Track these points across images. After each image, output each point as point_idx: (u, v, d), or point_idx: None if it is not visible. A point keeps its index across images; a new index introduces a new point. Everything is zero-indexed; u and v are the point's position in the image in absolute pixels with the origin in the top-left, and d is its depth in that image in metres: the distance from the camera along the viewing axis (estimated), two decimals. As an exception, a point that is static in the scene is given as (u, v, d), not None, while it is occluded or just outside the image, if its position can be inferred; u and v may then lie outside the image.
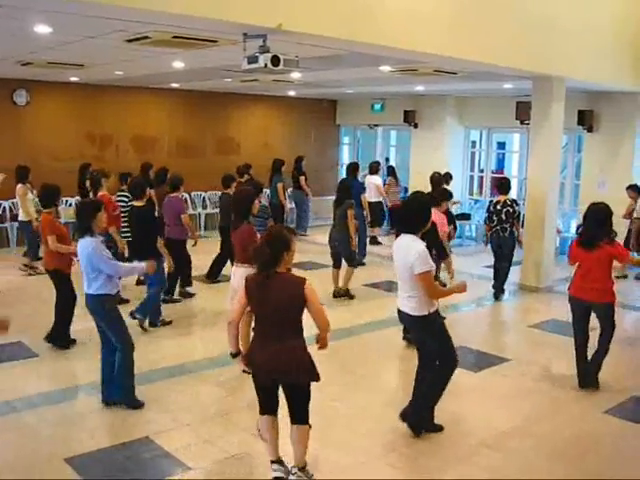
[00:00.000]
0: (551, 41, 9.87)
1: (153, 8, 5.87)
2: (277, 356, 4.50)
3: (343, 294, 10.36)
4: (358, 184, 12.97)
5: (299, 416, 4.68)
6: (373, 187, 14.77)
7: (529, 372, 7.44)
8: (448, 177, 13.19)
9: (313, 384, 4.61)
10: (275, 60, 7.00)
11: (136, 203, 8.74)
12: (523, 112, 13.03)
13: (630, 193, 12.07)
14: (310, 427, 4.71)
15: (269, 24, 6.55)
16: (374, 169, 15.06)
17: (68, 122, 15.21)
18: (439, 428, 5.82)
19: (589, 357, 6.97)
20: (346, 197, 10.37)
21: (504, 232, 10.34)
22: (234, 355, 4.79)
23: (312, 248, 13.84)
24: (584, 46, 10.48)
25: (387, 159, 18.78)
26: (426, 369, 5.77)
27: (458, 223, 15.20)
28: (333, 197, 11.00)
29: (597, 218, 6.67)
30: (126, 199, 9.96)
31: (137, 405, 6.17)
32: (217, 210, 16.31)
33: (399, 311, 5.68)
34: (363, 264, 12.48)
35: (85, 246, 5.99)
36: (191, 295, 10.18)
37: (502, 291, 10.76)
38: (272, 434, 4.81)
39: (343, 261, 10.43)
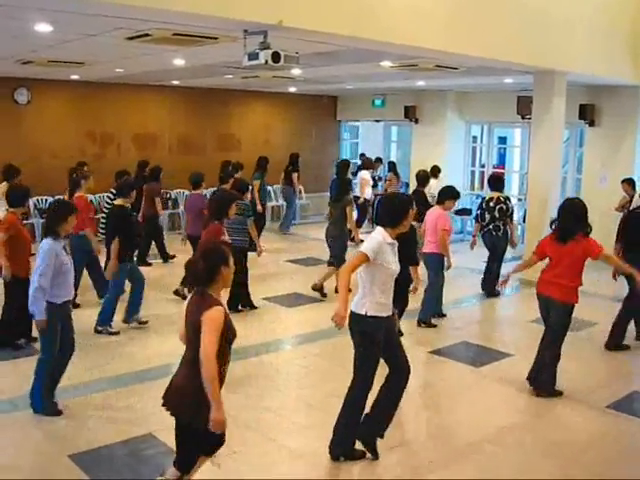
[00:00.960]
0: (552, 35, 9.85)
1: (153, 5, 5.89)
2: (174, 390, 4.20)
3: (318, 289, 10.14)
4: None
5: (179, 459, 4.30)
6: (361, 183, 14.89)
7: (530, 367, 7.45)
8: (436, 171, 13.12)
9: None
10: (276, 56, 7.00)
11: (117, 202, 8.64)
12: (524, 106, 13.02)
13: (625, 187, 11.92)
14: (186, 475, 4.29)
15: (269, 20, 6.56)
16: (367, 164, 15.13)
17: (69, 120, 15.22)
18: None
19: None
20: (344, 194, 10.24)
21: (497, 231, 10.29)
22: None
23: (313, 244, 13.87)
24: (585, 40, 10.46)
25: (362, 154, 18.60)
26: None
27: (459, 218, 15.24)
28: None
29: (575, 213, 6.48)
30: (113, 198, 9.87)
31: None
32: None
33: None
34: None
35: (42, 245, 5.88)
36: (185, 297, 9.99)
37: (494, 293, 10.50)
38: None
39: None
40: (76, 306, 8.59)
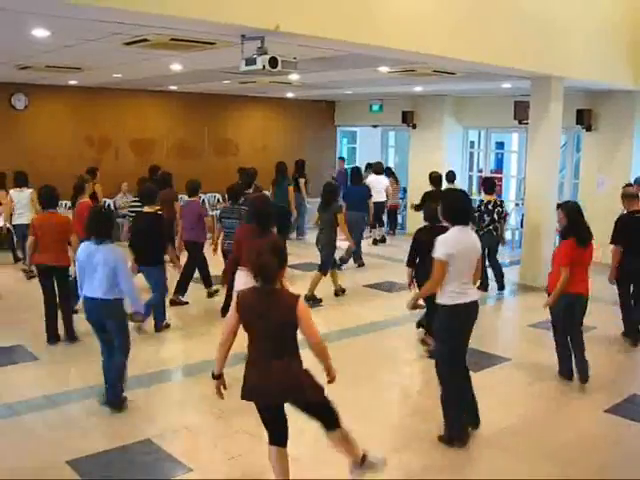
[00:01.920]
0: (549, 41, 9.89)
1: (151, 11, 5.90)
2: (282, 376, 4.29)
3: (309, 298, 9.88)
4: (365, 189, 13.09)
5: (325, 424, 4.53)
6: (381, 187, 14.80)
7: (529, 371, 7.45)
8: (452, 176, 12.99)
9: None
10: (273, 62, 7.02)
11: (146, 209, 8.68)
12: (521, 112, 13.05)
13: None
14: (339, 428, 4.54)
15: (267, 26, 6.58)
16: (380, 169, 15.10)
17: (67, 126, 15.23)
18: None
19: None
20: (333, 201, 10.22)
21: (495, 231, 10.53)
22: (216, 377, 4.50)
23: (312, 250, 13.84)
24: (582, 46, 10.50)
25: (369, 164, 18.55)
26: None
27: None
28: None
29: (582, 215, 6.90)
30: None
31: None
32: (216, 212, 16.38)
33: None
34: (362, 265, 12.67)
35: (115, 249, 6.09)
36: (184, 303, 9.98)
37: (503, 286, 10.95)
38: (280, 465, 4.53)
39: (337, 261, 10.74)
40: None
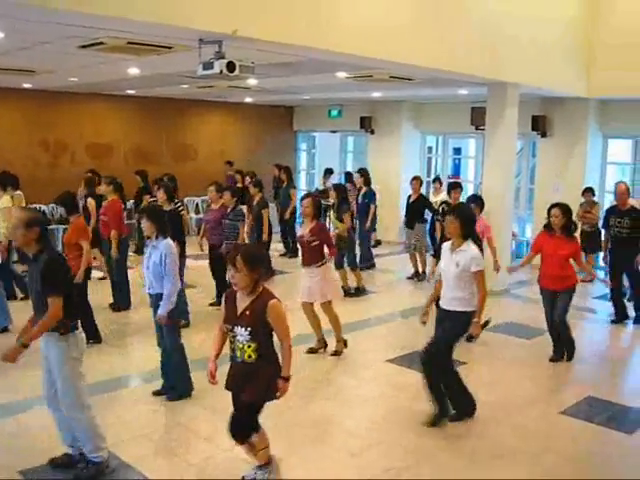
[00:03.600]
0: (505, 48, 10.02)
1: (107, 14, 5.84)
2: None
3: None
4: (372, 194, 13.17)
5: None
6: None
7: (485, 376, 7.52)
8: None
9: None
10: (230, 66, 7.01)
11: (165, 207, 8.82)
12: (478, 118, 13.19)
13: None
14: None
15: (224, 30, 6.56)
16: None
17: (22, 130, 14.98)
18: None
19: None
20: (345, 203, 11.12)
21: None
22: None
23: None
24: (537, 53, 10.66)
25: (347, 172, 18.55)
26: None
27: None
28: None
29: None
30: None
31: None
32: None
33: None
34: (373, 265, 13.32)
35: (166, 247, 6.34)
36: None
37: None
38: None
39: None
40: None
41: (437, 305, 6.26)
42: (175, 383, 6.62)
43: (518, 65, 10.44)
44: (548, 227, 7.78)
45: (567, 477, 5.32)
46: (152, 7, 6.06)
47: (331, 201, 14.23)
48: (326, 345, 8.13)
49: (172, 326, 6.46)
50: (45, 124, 15.29)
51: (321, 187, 16.82)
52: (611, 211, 9.87)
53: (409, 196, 12.61)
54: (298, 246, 9.27)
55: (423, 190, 13.35)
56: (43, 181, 13.21)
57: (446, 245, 6.16)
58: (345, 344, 8.12)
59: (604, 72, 11.88)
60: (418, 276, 12.36)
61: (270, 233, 11.76)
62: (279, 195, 14.97)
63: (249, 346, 4.46)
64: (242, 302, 4.52)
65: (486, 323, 7.72)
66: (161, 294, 6.27)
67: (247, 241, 10.30)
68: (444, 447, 5.71)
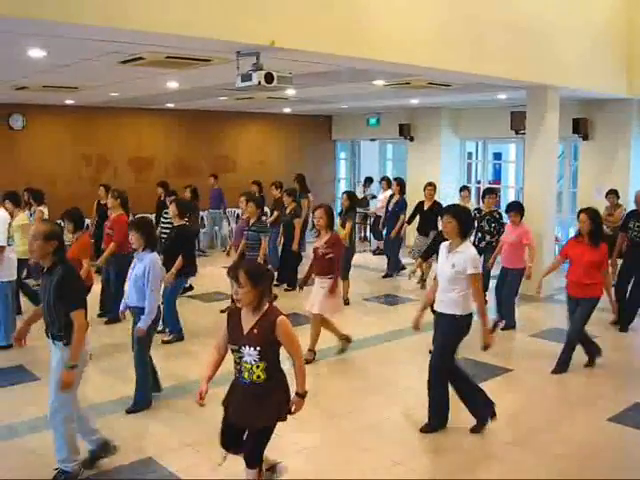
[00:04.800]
0: (544, 51, 9.93)
1: (146, 29, 5.93)
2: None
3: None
4: (405, 204, 13.00)
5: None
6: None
7: (532, 382, 7.42)
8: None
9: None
10: (269, 77, 7.04)
11: (177, 222, 8.97)
12: (518, 122, 13.07)
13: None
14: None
15: (261, 41, 6.60)
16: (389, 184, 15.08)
17: (65, 145, 15.29)
18: None
19: None
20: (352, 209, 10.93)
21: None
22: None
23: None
24: (576, 55, 10.54)
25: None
26: None
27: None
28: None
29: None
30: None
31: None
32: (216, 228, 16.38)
33: None
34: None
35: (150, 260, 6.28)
36: None
37: None
38: None
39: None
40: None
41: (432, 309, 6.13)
42: (135, 394, 6.52)
43: (557, 67, 10.32)
44: (578, 233, 7.63)
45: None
46: (190, 21, 6.14)
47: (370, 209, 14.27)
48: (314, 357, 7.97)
49: (143, 340, 6.33)
50: (87, 139, 15.56)
51: (361, 195, 16.72)
52: (631, 215, 9.65)
53: (421, 202, 12.17)
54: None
55: (471, 197, 13.35)
56: (86, 196, 13.40)
57: (444, 245, 5.96)
58: (314, 357, 7.89)
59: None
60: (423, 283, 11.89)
61: (299, 243, 11.68)
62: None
63: (258, 366, 4.27)
64: (248, 320, 4.33)
65: (494, 326, 7.66)
66: (139, 307, 6.23)
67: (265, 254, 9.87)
68: (498, 456, 5.64)
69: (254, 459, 4.44)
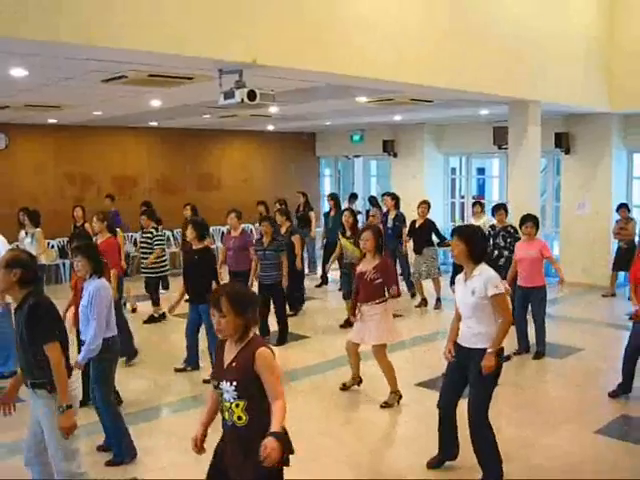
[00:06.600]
0: (526, 66, 10.02)
1: (128, 47, 5.92)
2: None
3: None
4: (403, 217, 12.73)
5: None
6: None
7: (519, 395, 7.41)
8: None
9: None
10: (251, 95, 7.04)
11: (199, 245, 8.30)
12: (500, 137, 13.11)
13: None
14: None
15: (244, 59, 6.62)
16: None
17: (48, 164, 15.20)
18: None
19: None
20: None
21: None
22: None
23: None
24: (558, 70, 10.63)
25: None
26: None
27: (441, 249, 15.14)
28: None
29: None
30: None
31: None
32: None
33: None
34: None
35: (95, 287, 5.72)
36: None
37: None
38: None
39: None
40: None
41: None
42: (111, 446, 5.91)
43: (538, 83, 10.39)
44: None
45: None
46: (172, 39, 6.13)
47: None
48: (361, 381, 7.63)
49: (99, 377, 5.78)
50: (70, 158, 15.48)
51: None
52: None
53: (413, 221, 11.94)
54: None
55: (455, 213, 13.26)
56: (70, 216, 13.28)
57: (458, 277, 5.42)
58: (400, 397, 7.18)
59: (625, 86, 11.85)
60: (425, 304, 11.84)
61: (303, 261, 11.21)
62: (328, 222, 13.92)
63: (237, 405, 3.63)
64: (230, 353, 3.76)
65: (507, 357, 6.58)
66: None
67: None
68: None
69: None
